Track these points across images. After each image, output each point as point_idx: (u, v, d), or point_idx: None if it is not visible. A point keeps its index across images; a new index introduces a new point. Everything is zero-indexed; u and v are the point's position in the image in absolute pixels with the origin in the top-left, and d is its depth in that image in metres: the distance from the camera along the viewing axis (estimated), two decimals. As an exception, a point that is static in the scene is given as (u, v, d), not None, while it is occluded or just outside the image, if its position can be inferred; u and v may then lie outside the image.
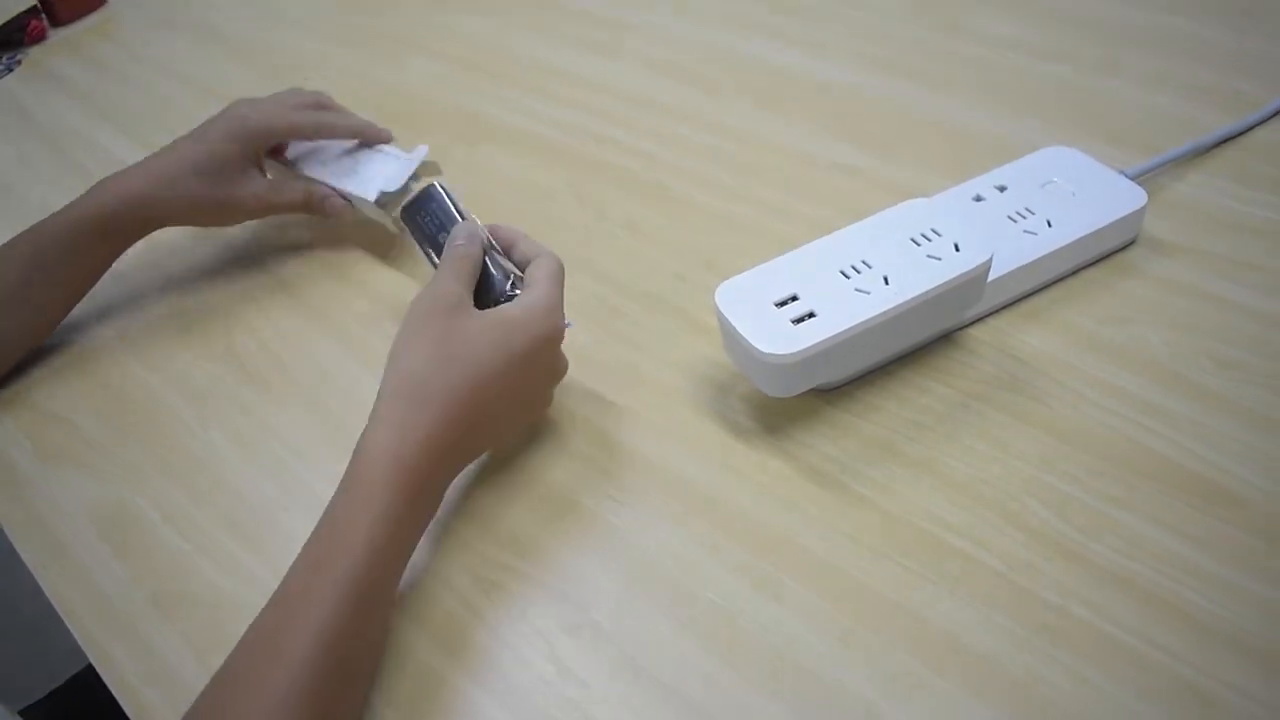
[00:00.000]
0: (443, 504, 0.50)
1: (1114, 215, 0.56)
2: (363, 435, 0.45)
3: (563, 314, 0.51)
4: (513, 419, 0.51)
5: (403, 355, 0.47)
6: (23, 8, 1.03)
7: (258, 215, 0.66)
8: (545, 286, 0.50)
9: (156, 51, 0.99)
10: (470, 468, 0.52)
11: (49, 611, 0.49)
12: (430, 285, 0.49)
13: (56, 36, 1.06)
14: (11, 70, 1.00)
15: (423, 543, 0.49)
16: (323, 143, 0.69)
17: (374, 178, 0.66)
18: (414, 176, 0.68)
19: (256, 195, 0.63)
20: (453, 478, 0.48)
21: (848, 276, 0.50)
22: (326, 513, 0.43)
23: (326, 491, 0.52)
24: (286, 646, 0.39)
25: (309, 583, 0.41)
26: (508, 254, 0.54)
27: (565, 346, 0.51)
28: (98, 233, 0.60)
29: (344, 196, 0.67)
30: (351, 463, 0.44)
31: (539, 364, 0.49)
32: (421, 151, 0.68)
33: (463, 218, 0.55)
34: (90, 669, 0.47)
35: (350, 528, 0.42)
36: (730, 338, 0.50)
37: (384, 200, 0.66)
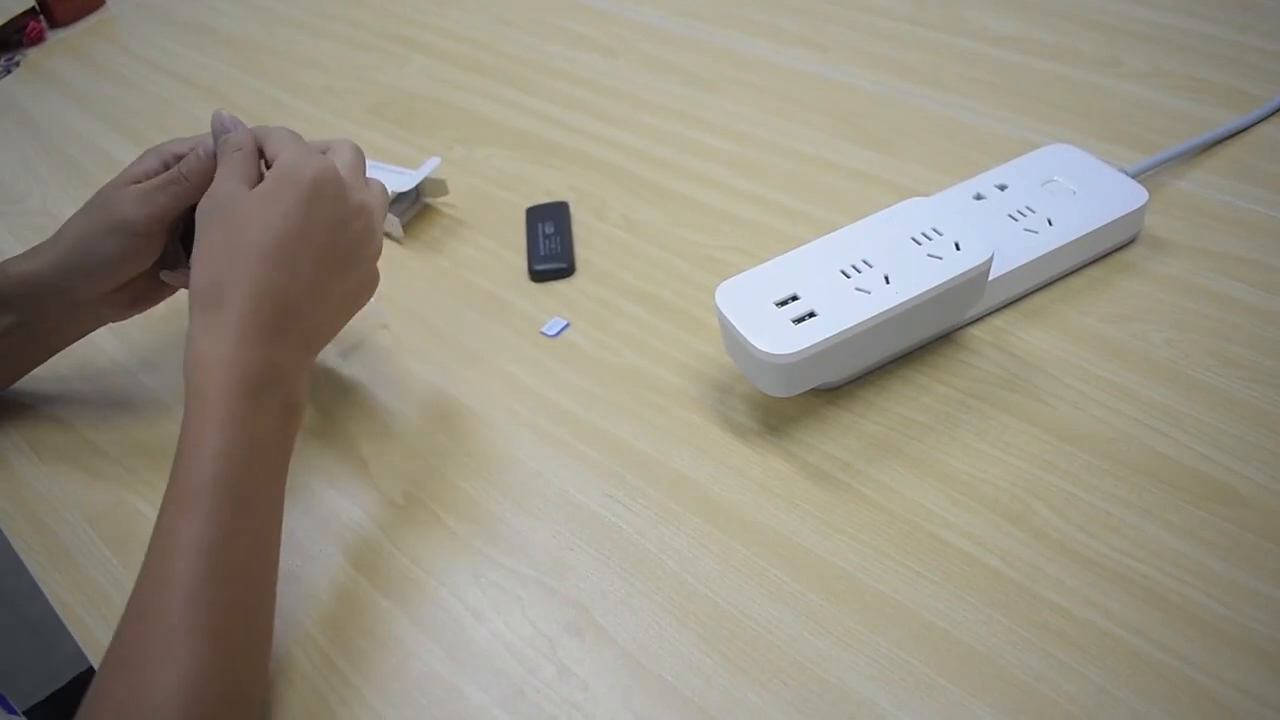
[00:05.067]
0: (443, 506, 0.50)
1: (1115, 213, 0.56)
2: (185, 352, 0.44)
3: (320, 156, 0.48)
4: (332, 278, 0.48)
5: (195, 262, 0.46)
6: (21, 9, 1.03)
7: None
8: (289, 146, 0.48)
9: (155, 52, 0.99)
10: (467, 466, 0.52)
11: (50, 613, 0.49)
12: (208, 193, 0.48)
13: (55, 38, 1.06)
14: (10, 72, 1.00)
15: (422, 544, 0.49)
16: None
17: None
18: (420, 187, 0.69)
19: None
20: (298, 369, 0.46)
21: (848, 276, 0.50)
22: (180, 432, 0.43)
23: (324, 490, 0.52)
24: (169, 568, 0.40)
25: (175, 504, 0.41)
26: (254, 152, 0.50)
27: (565, 339, 0.51)
28: None
29: None
30: (185, 381, 0.44)
31: (325, 210, 0.47)
32: (433, 163, 0.68)
33: None
34: (92, 670, 0.47)
35: (196, 441, 0.42)
36: (730, 337, 0.50)
37: (392, 206, 0.67)
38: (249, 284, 0.44)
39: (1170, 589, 0.42)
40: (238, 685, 0.40)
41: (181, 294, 0.60)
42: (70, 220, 0.53)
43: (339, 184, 0.48)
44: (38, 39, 1.05)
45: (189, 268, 0.49)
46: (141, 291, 0.55)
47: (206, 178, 0.50)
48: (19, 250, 0.56)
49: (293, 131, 0.50)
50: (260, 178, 0.49)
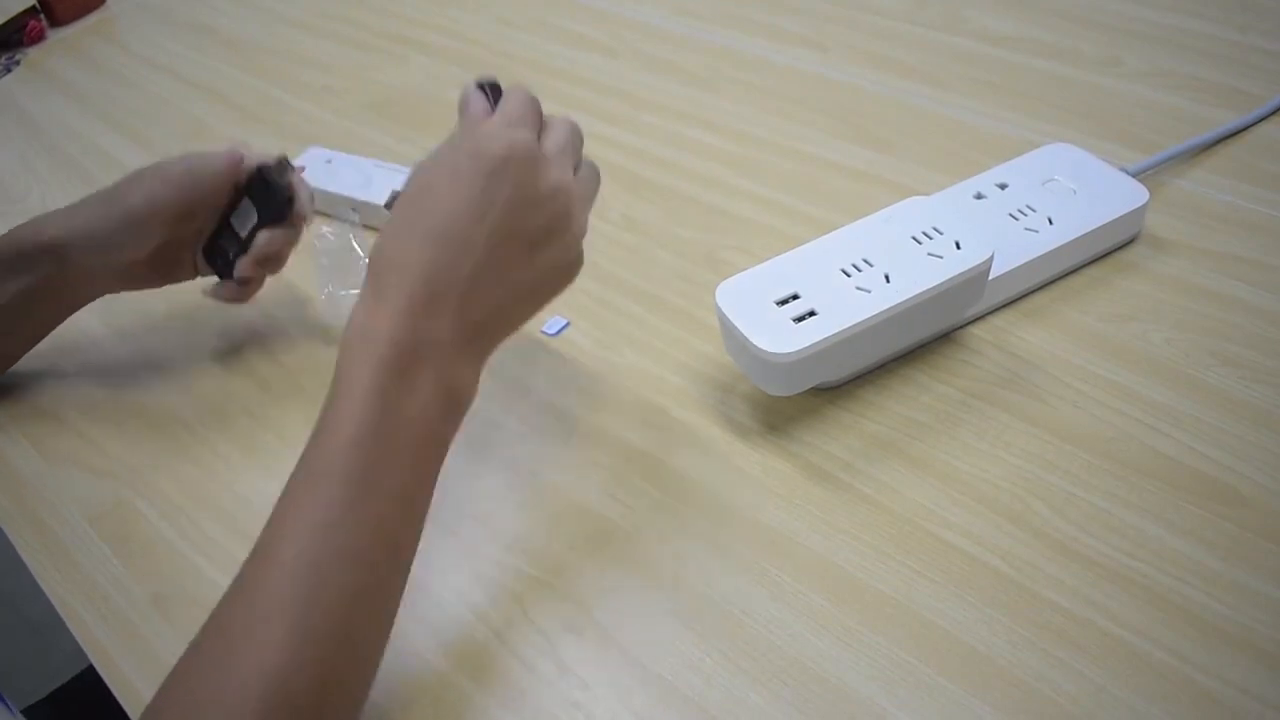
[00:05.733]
0: (443, 503, 0.50)
1: (1115, 213, 0.56)
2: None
3: (517, 132, 0.44)
4: (512, 261, 0.44)
5: (376, 238, 0.44)
6: (21, 8, 1.03)
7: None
8: (498, 116, 0.45)
9: (155, 52, 0.99)
10: (468, 468, 0.52)
11: (50, 612, 0.49)
12: (429, 156, 0.45)
13: (55, 37, 1.06)
14: (10, 71, 1.00)
15: (423, 542, 0.49)
16: (339, 163, 0.72)
17: (385, 188, 0.68)
18: None
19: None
20: (462, 346, 0.43)
21: (849, 275, 0.50)
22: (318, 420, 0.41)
23: (327, 491, 0.52)
24: (276, 549, 0.38)
25: (294, 482, 0.39)
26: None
27: (566, 338, 0.51)
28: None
29: (354, 207, 0.69)
30: (337, 361, 0.41)
31: (505, 188, 0.43)
32: None
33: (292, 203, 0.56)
34: (92, 668, 0.47)
35: (332, 416, 0.40)
36: (731, 337, 0.50)
37: (394, 202, 0.67)
38: (414, 262, 0.42)
39: (1170, 589, 0.42)
40: (336, 674, 0.37)
41: (182, 297, 0.60)
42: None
43: (531, 163, 0.44)
44: (38, 38, 1.05)
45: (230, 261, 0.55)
46: (145, 278, 0.57)
47: (221, 196, 0.56)
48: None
49: (526, 96, 0.47)
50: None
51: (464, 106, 0.47)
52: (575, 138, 0.48)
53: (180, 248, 0.57)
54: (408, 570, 0.42)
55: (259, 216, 0.56)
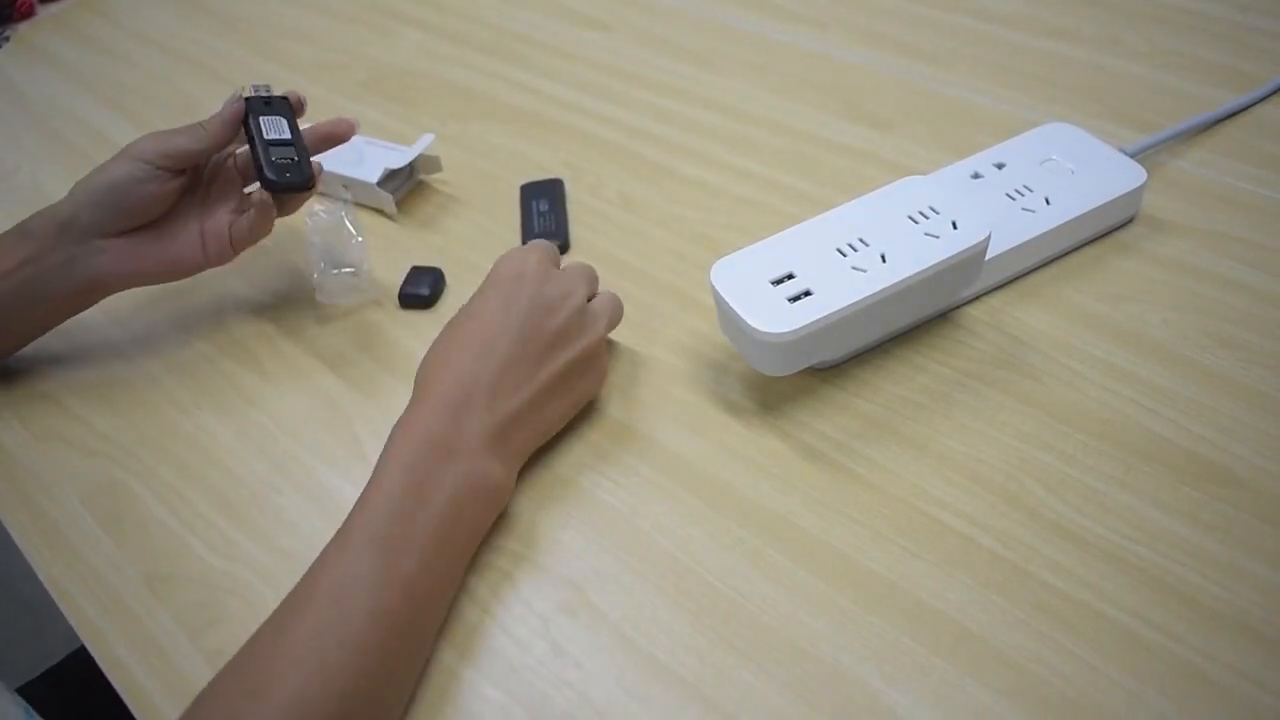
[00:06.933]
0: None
1: (1113, 193, 0.56)
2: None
3: (522, 252, 0.52)
4: (535, 364, 0.48)
5: (425, 356, 0.50)
6: (11, -17, 1.02)
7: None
8: (513, 253, 0.52)
9: (146, 26, 0.98)
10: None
11: (44, 591, 0.49)
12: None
13: (45, 12, 1.05)
14: (0, 46, 0.99)
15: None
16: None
17: (378, 165, 0.67)
18: (414, 164, 0.69)
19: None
20: (493, 444, 0.46)
21: (844, 254, 0.50)
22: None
23: (319, 470, 0.52)
24: (299, 600, 0.41)
25: (332, 547, 0.42)
26: None
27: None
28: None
29: (345, 184, 0.68)
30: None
31: (519, 299, 0.49)
32: (427, 139, 0.68)
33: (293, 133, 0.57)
34: (84, 650, 0.47)
35: (369, 493, 0.43)
36: (726, 316, 0.50)
37: (386, 182, 0.68)
38: (449, 368, 0.47)
39: (1165, 570, 0.42)
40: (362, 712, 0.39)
41: (173, 293, 0.60)
42: None
43: (543, 274, 0.50)
44: (28, 13, 1.04)
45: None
46: (143, 249, 0.56)
47: (223, 130, 0.56)
48: (9, 226, 0.56)
49: (553, 249, 0.54)
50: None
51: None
52: (589, 270, 0.54)
53: (149, 239, 0.56)
54: (434, 636, 0.44)
55: (286, 119, 0.57)
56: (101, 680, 0.45)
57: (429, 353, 0.49)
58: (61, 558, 0.50)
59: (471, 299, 0.51)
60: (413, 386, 0.48)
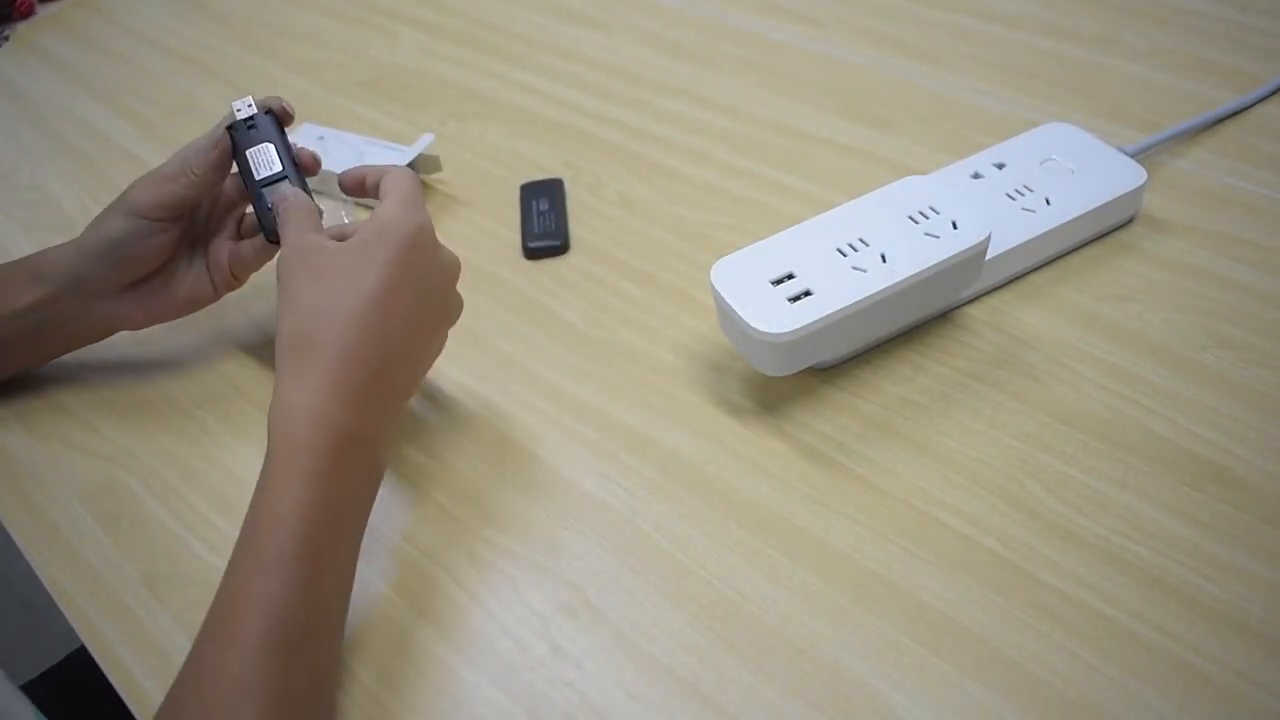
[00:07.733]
0: (437, 485, 0.50)
1: (1113, 193, 0.56)
2: (271, 403, 0.43)
3: (421, 211, 0.48)
4: (418, 339, 0.48)
5: (283, 314, 0.45)
6: (10, -18, 1.02)
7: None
8: (393, 193, 0.48)
9: (146, 26, 0.98)
10: (460, 444, 0.52)
11: (44, 591, 0.49)
12: (285, 245, 0.48)
13: (45, 11, 1.05)
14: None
15: (417, 525, 0.49)
16: (331, 140, 0.71)
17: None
18: (414, 164, 0.69)
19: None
20: (383, 429, 0.46)
21: (844, 254, 0.50)
22: (257, 486, 0.42)
23: (319, 471, 0.52)
24: (237, 629, 0.38)
25: (248, 560, 0.40)
26: (362, 190, 0.52)
27: (560, 316, 0.51)
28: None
29: None
30: (269, 432, 0.42)
31: (417, 267, 0.46)
32: (427, 139, 0.68)
33: (287, 159, 0.54)
34: (84, 649, 0.47)
35: (278, 498, 0.41)
36: (726, 316, 0.50)
37: None
38: (341, 343, 0.43)
39: (1166, 570, 0.42)
40: None
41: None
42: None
43: (426, 238, 0.47)
44: (27, 12, 1.04)
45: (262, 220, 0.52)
46: (155, 295, 0.56)
47: (214, 175, 0.53)
48: (8, 226, 0.56)
49: (412, 175, 0.50)
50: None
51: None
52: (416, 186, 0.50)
53: (157, 284, 0.56)
54: (343, 632, 0.43)
55: (274, 142, 0.54)
56: (101, 680, 0.45)
57: (296, 301, 0.45)
58: (61, 557, 0.50)
59: (347, 245, 0.46)
60: (276, 342, 0.44)
